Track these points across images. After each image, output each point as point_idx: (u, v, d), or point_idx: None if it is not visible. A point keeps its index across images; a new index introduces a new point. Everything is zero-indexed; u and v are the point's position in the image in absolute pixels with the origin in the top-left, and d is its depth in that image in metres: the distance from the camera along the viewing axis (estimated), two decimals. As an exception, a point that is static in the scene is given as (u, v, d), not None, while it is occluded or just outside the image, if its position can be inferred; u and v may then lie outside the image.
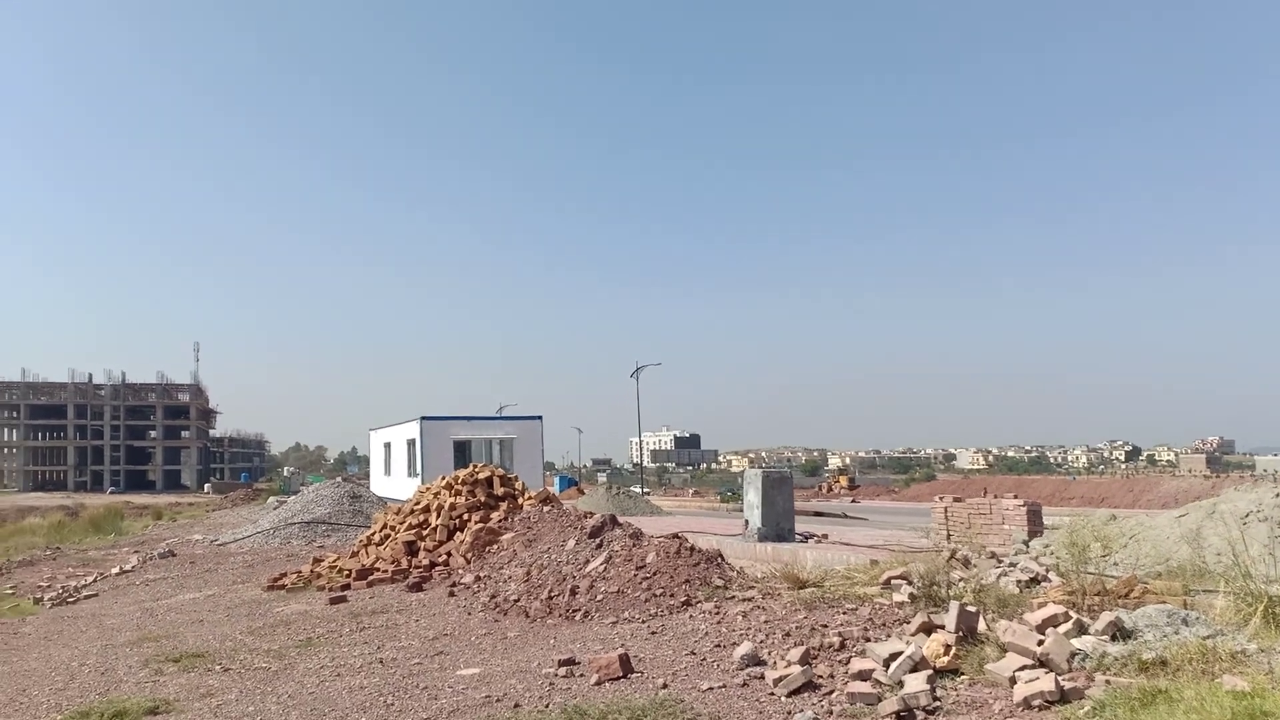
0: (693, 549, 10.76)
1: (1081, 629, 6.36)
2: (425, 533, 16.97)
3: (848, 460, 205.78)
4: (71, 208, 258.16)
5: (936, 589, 7.99)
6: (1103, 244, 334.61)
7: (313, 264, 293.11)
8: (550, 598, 10.63)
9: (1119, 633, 6.24)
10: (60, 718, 7.52)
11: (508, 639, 9.46)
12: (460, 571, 14.26)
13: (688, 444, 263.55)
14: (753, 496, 14.27)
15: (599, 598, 10.14)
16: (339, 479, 46.51)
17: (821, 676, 6.34)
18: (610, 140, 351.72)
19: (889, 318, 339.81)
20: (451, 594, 12.86)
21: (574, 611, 10.06)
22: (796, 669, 6.28)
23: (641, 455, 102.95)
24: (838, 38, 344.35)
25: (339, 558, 17.63)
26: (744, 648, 7.02)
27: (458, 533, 16.61)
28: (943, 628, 6.55)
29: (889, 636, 6.91)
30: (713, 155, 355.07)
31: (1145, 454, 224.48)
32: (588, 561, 11.36)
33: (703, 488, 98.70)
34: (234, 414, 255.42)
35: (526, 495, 18.65)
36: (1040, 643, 5.95)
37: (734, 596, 9.29)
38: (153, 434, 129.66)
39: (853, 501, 51.63)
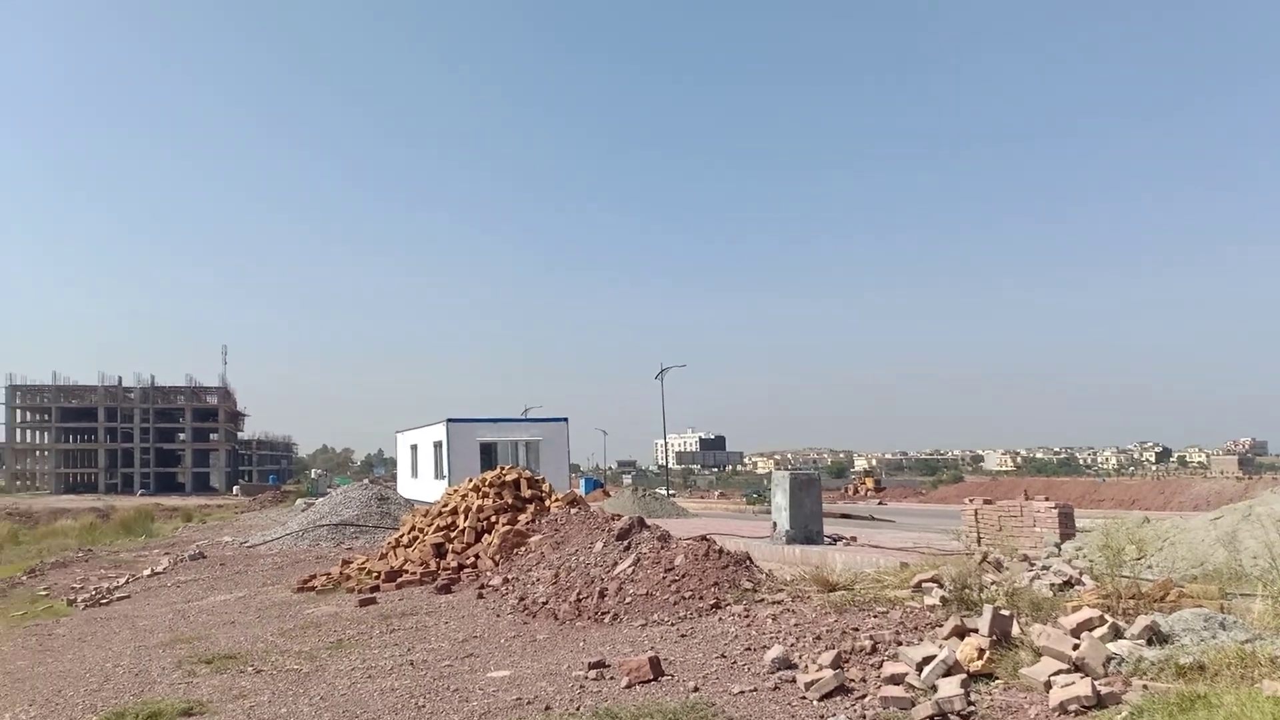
0: (721, 551, 10.74)
1: (1117, 633, 6.29)
2: (453, 535, 17.03)
3: (874, 462, 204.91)
4: (99, 214, 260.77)
5: (968, 592, 7.94)
6: (1133, 245, 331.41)
7: (339, 268, 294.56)
8: (579, 600, 10.64)
9: (1155, 637, 6.18)
10: (96, 718, 7.58)
11: (537, 641, 9.47)
12: (488, 574, 14.29)
13: (713, 445, 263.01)
14: (780, 498, 14.22)
15: (628, 600, 10.14)
16: (366, 481, 46.76)
17: (854, 680, 6.31)
18: (635, 141, 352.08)
19: (916, 318, 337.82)
20: (480, 596, 12.90)
21: (603, 614, 10.06)
22: (828, 672, 6.25)
23: (667, 457, 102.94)
24: (860, 35, 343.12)
25: (368, 559, 17.72)
26: (775, 651, 6.99)
27: (485, 535, 16.67)
28: (976, 631, 6.51)
29: (921, 640, 6.87)
30: (738, 155, 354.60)
31: (1176, 455, 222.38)
32: (616, 564, 11.37)
33: (728, 489, 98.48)
34: (261, 416, 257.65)
35: (553, 497, 18.69)
36: (1075, 647, 5.89)
37: (763, 599, 9.27)
38: (182, 436, 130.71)
39: (879, 504, 51.34)
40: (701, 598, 9.62)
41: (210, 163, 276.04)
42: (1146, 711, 4.92)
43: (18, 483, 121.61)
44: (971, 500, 14.18)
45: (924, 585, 8.58)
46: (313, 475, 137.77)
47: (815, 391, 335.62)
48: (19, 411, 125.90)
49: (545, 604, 11.05)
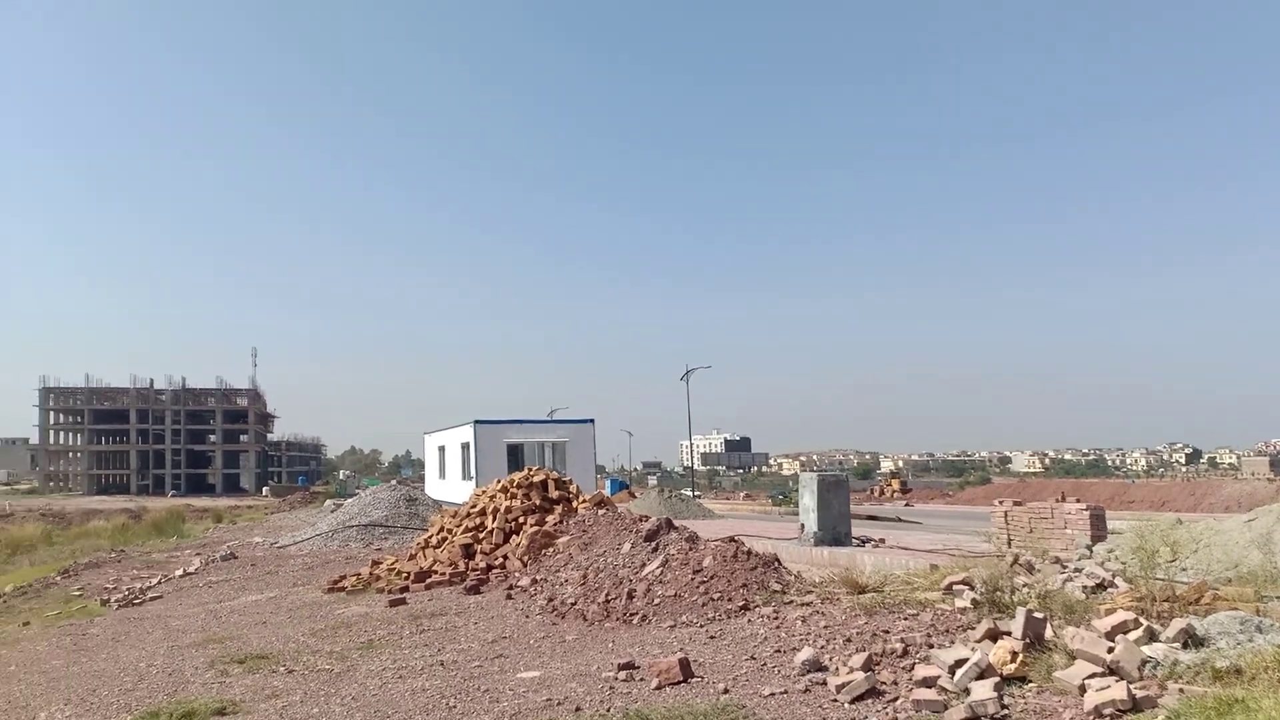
0: (749, 553, 10.72)
1: (1152, 636, 6.24)
2: (481, 536, 17.09)
3: (900, 463, 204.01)
4: (132, 221, 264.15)
5: (1000, 595, 7.89)
6: (1163, 242, 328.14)
7: (367, 273, 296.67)
8: (607, 601, 10.65)
9: (1190, 640, 6.12)
10: (130, 718, 7.66)
11: (566, 642, 9.49)
12: (517, 574, 14.34)
13: (738, 447, 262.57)
14: (808, 500, 14.17)
15: (656, 601, 10.14)
16: (394, 482, 46.99)
17: (885, 683, 6.28)
18: (658, 142, 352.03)
19: (944, 318, 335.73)
20: (509, 597, 12.94)
21: (631, 615, 10.07)
22: (860, 675, 6.23)
23: (692, 458, 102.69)
24: (874, 33, 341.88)
25: (397, 560, 17.82)
26: (805, 653, 6.97)
27: (513, 536, 16.72)
28: (1009, 634, 6.47)
29: (953, 643, 6.83)
30: (759, 155, 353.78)
31: (1206, 457, 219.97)
32: (644, 565, 11.37)
33: (754, 491, 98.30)
34: (291, 418, 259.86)
35: (581, 499, 18.72)
36: (1110, 650, 5.85)
37: (792, 601, 9.25)
38: (212, 438, 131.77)
39: (906, 505, 51.10)
40: (730, 599, 9.61)
41: (242, 171, 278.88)
42: (1183, 715, 4.88)
43: (51, 484, 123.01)
44: (1001, 502, 14.07)
45: (955, 588, 8.53)
46: (341, 476, 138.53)
47: (841, 392, 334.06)
48: (52, 413, 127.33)
49: (574, 605, 11.07)
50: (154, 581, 20.43)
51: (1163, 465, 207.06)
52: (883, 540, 15.26)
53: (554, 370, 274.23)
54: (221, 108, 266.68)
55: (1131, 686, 5.35)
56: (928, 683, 6.07)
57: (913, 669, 6.43)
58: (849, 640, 7.36)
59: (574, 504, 18.12)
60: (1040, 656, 6.19)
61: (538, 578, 13.38)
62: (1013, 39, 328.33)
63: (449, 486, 44.05)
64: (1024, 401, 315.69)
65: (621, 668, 7.50)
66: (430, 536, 18.54)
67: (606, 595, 10.82)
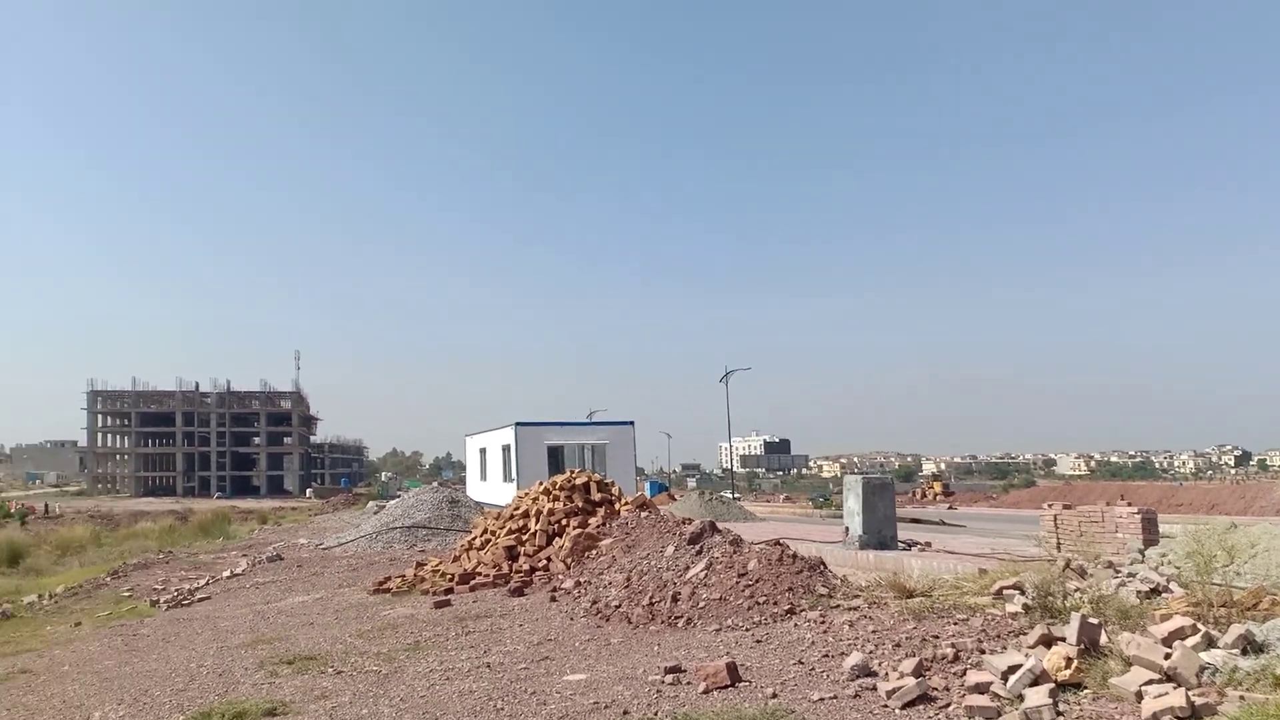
0: (794, 556, 10.66)
1: (1210, 642, 6.12)
2: (525, 538, 17.14)
3: (942, 466, 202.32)
4: (179, 229, 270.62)
5: (1052, 600, 7.77)
6: (1208, 244, 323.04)
7: (405, 277, 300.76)
8: (652, 604, 10.63)
9: (1250, 646, 5.99)
10: (183, 718, 7.74)
11: (611, 645, 9.47)
12: (560, 577, 14.36)
13: (777, 449, 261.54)
14: (853, 503, 14.07)
15: (701, 605, 10.11)
16: (435, 484, 47.28)
17: (936, 689, 6.21)
18: (700, 144, 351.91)
19: (984, 318, 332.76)
20: (553, 599, 12.96)
21: (676, 618, 10.04)
22: (910, 681, 6.16)
23: (731, 460, 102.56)
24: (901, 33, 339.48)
25: (441, 562, 17.90)
26: (854, 658, 6.91)
27: (556, 538, 16.75)
28: (1063, 640, 6.37)
29: (1005, 648, 6.74)
30: (798, 153, 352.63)
31: (1255, 459, 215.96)
32: (688, 568, 11.34)
33: (794, 493, 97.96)
34: (333, 420, 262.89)
35: (623, 501, 18.72)
36: (1167, 656, 5.74)
37: (839, 605, 9.18)
38: (256, 440, 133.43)
39: (949, 508, 50.66)
40: (776, 603, 9.56)
41: (284, 178, 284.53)
42: (1245, 723, 4.78)
43: (99, 486, 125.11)
44: (1050, 505, 13.88)
45: (1005, 592, 8.43)
46: (383, 478, 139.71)
47: (882, 394, 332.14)
48: (100, 416, 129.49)
49: (618, 607, 11.06)
50: (202, 583, 20.68)
51: (1211, 468, 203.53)
52: (929, 544, 15.12)
53: (592, 372, 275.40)
54: (263, 115, 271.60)
55: (1190, 693, 5.25)
56: (980, 688, 5.99)
57: (964, 675, 6.36)
58: (898, 645, 7.29)
59: (616, 506, 18.11)
60: (1095, 663, 6.09)
61: (581, 580, 13.39)
62: (1036, 37, 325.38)
63: (490, 488, 44.26)
64: (1069, 403, 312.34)
65: (668, 671, 7.47)
66: (473, 538, 18.62)
67: (651, 598, 10.80)
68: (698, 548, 11.98)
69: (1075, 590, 8.10)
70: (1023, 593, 8.17)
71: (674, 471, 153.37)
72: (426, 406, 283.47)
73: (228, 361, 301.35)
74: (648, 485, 54.97)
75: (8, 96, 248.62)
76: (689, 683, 7.17)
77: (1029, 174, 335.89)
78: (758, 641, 8.43)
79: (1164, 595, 8.23)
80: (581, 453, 41.88)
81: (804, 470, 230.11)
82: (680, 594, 10.54)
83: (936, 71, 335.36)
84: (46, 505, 76.87)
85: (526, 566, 15.75)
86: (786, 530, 19.47)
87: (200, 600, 17.87)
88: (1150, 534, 12.12)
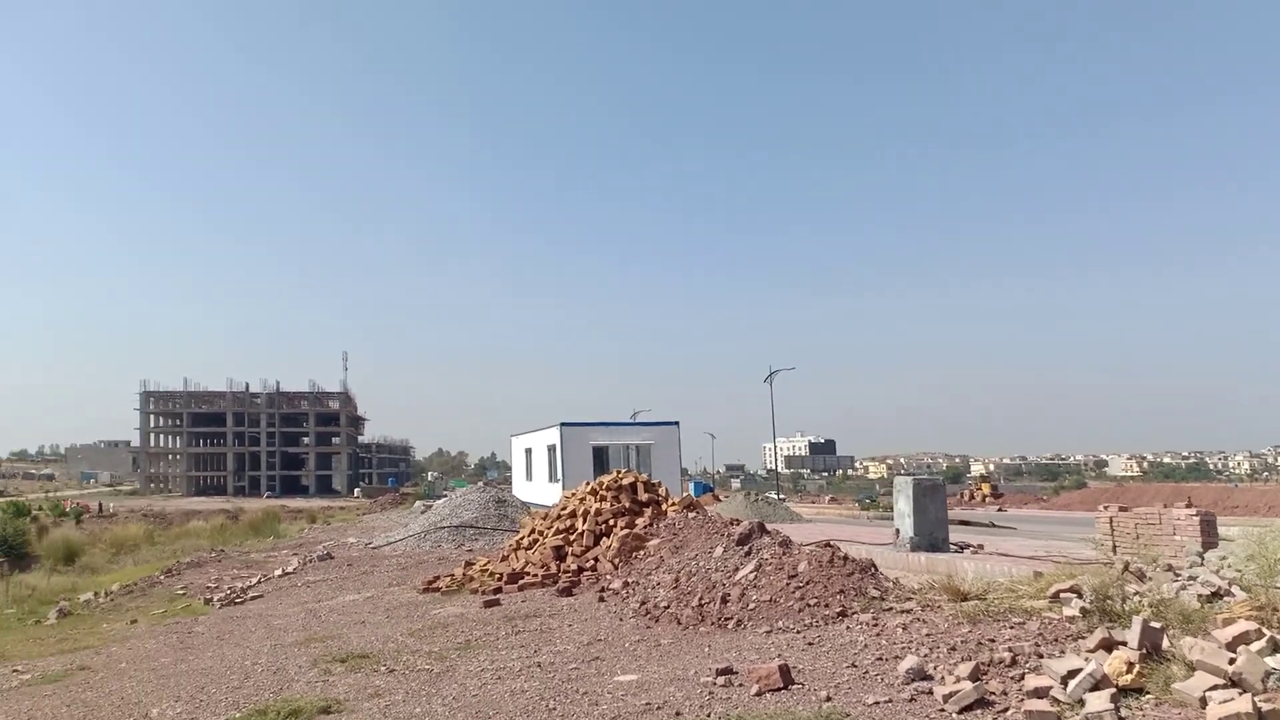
0: (845, 558, 10.58)
1: (1275, 647, 5.97)
2: (572, 538, 17.18)
3: (991, 467, 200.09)
4: (227, 234, 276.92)
5: (1111, 603, 7.63)
6: (1271, 239, 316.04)
7: (452, 280, 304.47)
8: (701, 605, 10.59)
9: (1317, 652, 5.85)
10: (239, 715, 7.83)
11: (661, 646, 9.45)
12: (608, 577, 14.37)
13: (822, 449, 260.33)
14: (903, 505, 13.93)
15: (751, 606, 10.06)
16: (481, 484, 47.55)
17: (994, 693, 6.11)
18: (736, 143, 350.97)
19: (1034, 316, 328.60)
20: (601, 599, 12.96)
21: (726, 620, 10.00)
22: (967, 685, 6.07)
23: (776, 461, 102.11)
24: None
25: (489, 561, 17.99)
26: (909, 661, 6.82)
27: (604, 538, 16.77)
28: (1124, 644, 6.25)
29: (1064, 653, 6.62)
30: (839, 150, 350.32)
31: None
32: (737, 569, 11.29)
33: (839, 494, 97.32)
34: (380, 420, 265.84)
35: (669, 501, 18.70)
36: (1231, 661, 5.61)
37: (891, 608, 9.09)
38: (305, 440, 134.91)
39: (999, 510, 50.02)
40: (827, 605, 9.48)
41: (333, 185, 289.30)
42: (1316, 732, 4.66)
43: (151, 485, 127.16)
44: (1106, 507, 13.65)
45: (1062, 596, 8.29)
46: (429, 478, 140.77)
47: (928, 394, 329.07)
48: (153, 417, 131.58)
49: (667, 608, 11.04)
50: (254, 581, 20.95)
51: (1267, 469, 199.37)
52: (981, 546, 14.93)
53: (636, 373, 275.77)
54: (312, 123, 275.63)
55: (1256, 699, 5.13)
56: (1039, 693, 5.89)
57: (1022, 679, 6.26)
58: (953, 649, 7.20)
59: (663, 507, 18.11)
60: (1157, 668, 5.97)
61: (629, 580, 13.38)
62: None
63: (535, 488, 44.45)
64: (1121, 403, 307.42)
65: (719, 673, 7.43)
66: (521, 538, 18.69)
67: (700, 599, 10.77)
68: (746, 549, 11.93)
69: (1134, 594, 7.96)
70: (1080, 596, 8.03)
71: (718, 472, 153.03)
72: (471, 407, 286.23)
73: (277, 362, 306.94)
74: (692, 486, 54.90)
75: (62, 108, 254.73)
76: (741, 685, 7.13)
77: (1080, 168, 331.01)
78: (809, 644, 8.36)
79: (1226, 599, 8.05)
80: (626, 453, 41.93)
81: (849, 471, 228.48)
82: (730, 595, 10.50)
83: (977, 63, 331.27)
84: (100, 504, 78.32)
85: (574, 566, 15.78)
86: (834, 532, 19.33)
87: (253, 598, 18.11)
88: (1209, 536, 11.88)
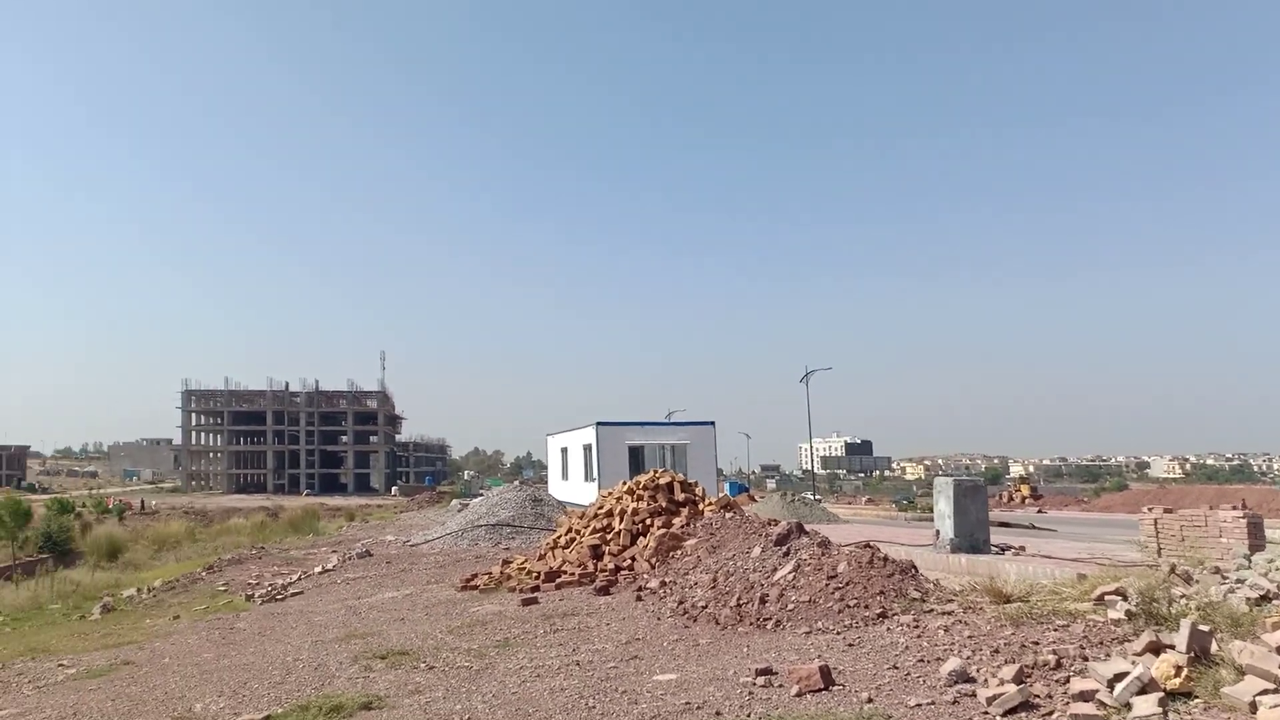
0: (885, 559, 10.50)
1: (1328, 652, 5.86)
2: (609, 537, 17.20)
3: (1030, 468, 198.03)
4: (265, 239, 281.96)
5: (1157, 606, 7.53)
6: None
7: (486, 280, 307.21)
8: (739, 605, 10.56)
9: (1370, 657, 5.73)
10: (281, 711, 7.90)
11: (700, 645, 9.43)
12: (645, 576, 14.36)
13: (859, 450, 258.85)
14: (944, 505, 13.81)
15: (790, 607, 10.01)
16: (517, 482, 47.71)
17: (1039, 696, 6.04)
18: (773, 134, 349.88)
19: (1075, 316, 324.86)
20: (638, 598, 12.96)
21: (764, 620, 9.96)
22: (1012, 688, 6.01)
23: (812, 461, 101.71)
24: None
25: (526, 560, 18.05)
26: (951, 663, 6.76)
27: (640, 538, 16.77)
28: (1171, 647, 6.16)
29: (1109, 656, 6.54)
30: (877, 140, 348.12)
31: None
32: (775, 569, 11.24)
33: (876, 495, 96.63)
34: (416, 419, 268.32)
35: (706, 501, 18.67)
36: (1282, 666, 5.52)
37: (932, 609, 9.02)
38: (344, 439, 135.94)
39: (1039, 512, 49.44)
40: (867, 606, 9.42)
41: (370, 191, 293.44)
42: (1373, 739, 4.57)
43: (193, 482, 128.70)
44: (1150, 509, 13.46)
45: (1106, 598, 8.18)
46: (466, 477, 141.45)
47: (967, 394, 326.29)
48: (194, 415, 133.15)
49: (705, 608, 11.01)
50: (294, 578, 21.15)
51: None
52: (1022, 548, 14.78)
53: (671, 372, 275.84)
54: (347, 131, 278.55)
55: (1309, 705, 5.04)
56: (1085, 696, 5.82)
57: (1067, 682, 6.18)
58: (996, 651, 7.12)
59: (700, 507, 18.08)
60: (1206, 671, 5.88)
61: (666, 580, 13.37)
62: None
63: (571, 487, 44.52)
64: (1163, 404, 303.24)
65: (759, 673, 7.39)
66: (559, 537, 18.74)
67: (738, 599, 10.73)
68: (785, 549, 11.88)
69: (1181, 596, 7.85)
70: (1125, 599, 7.93)
71: (753, 473, 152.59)
72: (507, 406, 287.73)
73: (316, 362, 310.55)
74: (727, 486, 54.73)
75: (104, 120, 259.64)
76: (781, 685, 7.09)
77: (1121, 159, 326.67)
78: (849, 645, 8.31)
79: (1275, 602, 7.92)
80: (662, 453, 41.91)
81: (886, 472, 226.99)
82: (768, 596, 10.45)
83: (1027, 43, 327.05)
84: (143, 501, 79.57)
85: (611, 565, 15.79)
86: (872, 533, 19.20)
87: (293, 595, 18.28)
88: (1257, 539, 11.69)
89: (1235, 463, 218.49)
